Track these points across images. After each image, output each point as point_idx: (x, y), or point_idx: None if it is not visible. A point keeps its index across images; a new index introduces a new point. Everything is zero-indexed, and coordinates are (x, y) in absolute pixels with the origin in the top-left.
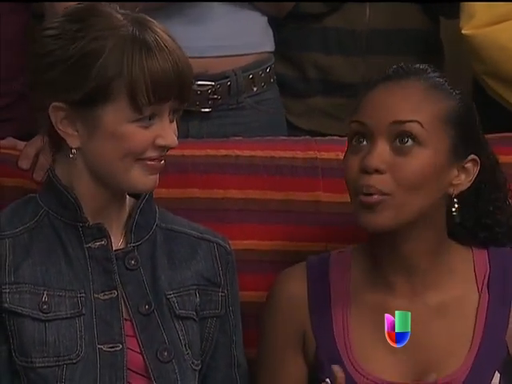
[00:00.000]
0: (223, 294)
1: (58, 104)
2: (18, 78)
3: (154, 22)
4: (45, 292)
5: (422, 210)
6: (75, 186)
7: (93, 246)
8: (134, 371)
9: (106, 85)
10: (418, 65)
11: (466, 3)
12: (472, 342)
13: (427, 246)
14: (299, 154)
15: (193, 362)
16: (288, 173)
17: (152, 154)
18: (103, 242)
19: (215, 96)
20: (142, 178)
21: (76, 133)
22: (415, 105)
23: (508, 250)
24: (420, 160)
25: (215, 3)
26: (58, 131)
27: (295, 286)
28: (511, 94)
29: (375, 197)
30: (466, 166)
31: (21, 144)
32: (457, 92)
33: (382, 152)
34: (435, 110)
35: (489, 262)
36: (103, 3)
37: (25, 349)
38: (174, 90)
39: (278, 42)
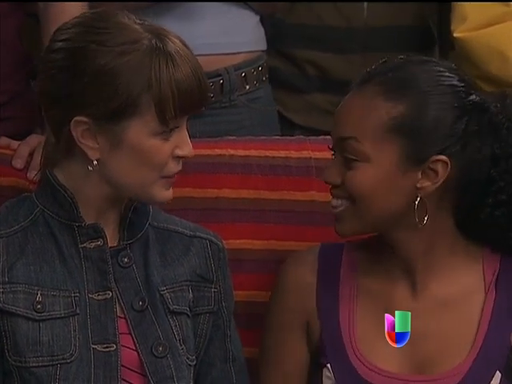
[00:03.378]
0: (216, 290)
1: (80, 118)
2: (13, 77)
3: (170, 31)
4: (39, 292)
5: (388, 215)
6: (83, 191)
7: (88, 246)
8: (129, 369)
9: (134, 100)
10: (389, 60)
11: (457, 7)
12: (475, 339)
13: (423, 247)
14: (293, 154)
15: (188, 358)
16: (282, 172)
17: (173, 167)
18: (99, 243)
19: None
20: (162, 192)
21: (97, 145)
22: (355, 120)
23: None
24: (363, 175)
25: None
26: (79, 144)
27: (305, 270)
28: None
29: (335, 209)
30: (429, 168)
31: (15, 143)
32: (416, 91)
33: (334, 166)
34: (376, 123)
35: (500, 261)
36: (116, 11)
37: (18, 348)
38: (197, 100)
39: (275, 38)
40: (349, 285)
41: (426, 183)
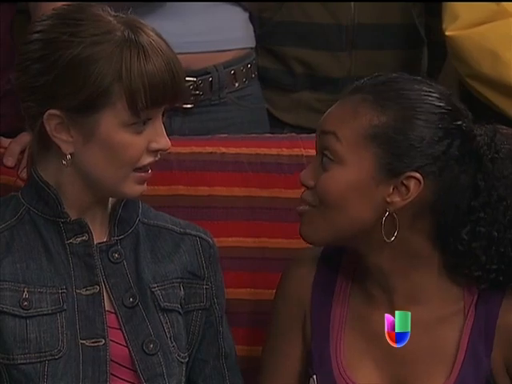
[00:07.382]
0: (207, 287)
1: (53, 111)
2: (4, 75)
3: (145, 23)
4: (25, 289)
5: (354, 226)
6: (62, 186)
7: (74, 241)
8: (119, 364)
9: (105, 90)
10: (383, 75)
11: (449, 6)
12: (455, 361)
13: (397, 267)
14: (285, 151)
15: (179, 355)
16: (273, 170)
17: (147, 160)
18: (84, 238)
19: (197, 92)
20: (133, 188)
21: (71, 139)
22: (339, 117)
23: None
24: (336, 178)
25: None
26: (53, 138)
27: (304, 269)
28: (494, 96)
29: (301, 208)
30: (402, 183)
31: (5, 141)
32: (403, 104)
33: (312, 168)
34: (358, 126)
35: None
36: (92, 4)
37: (6, 346)
38: (170, 93)
39: (263, 36)
40: (342, 295)
41: (396, 198)
